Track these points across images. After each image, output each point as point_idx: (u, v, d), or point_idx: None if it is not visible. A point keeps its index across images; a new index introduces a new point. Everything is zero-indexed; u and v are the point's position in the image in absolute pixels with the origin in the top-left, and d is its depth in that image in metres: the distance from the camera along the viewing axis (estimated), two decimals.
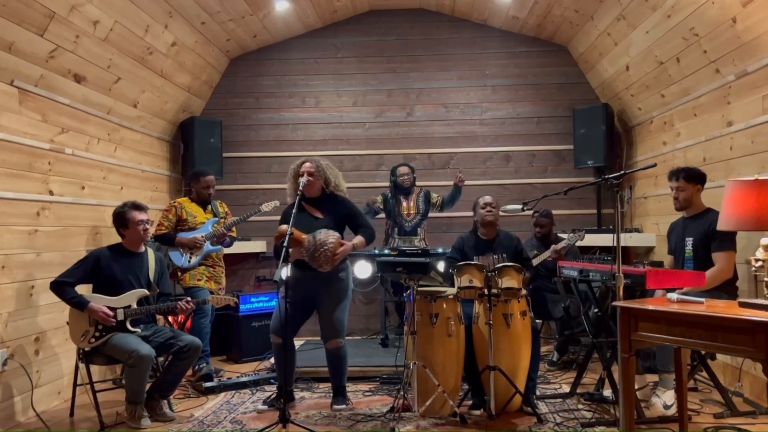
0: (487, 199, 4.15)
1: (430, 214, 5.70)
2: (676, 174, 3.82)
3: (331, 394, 3.95)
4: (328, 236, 3.68)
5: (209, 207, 4.94)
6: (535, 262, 4.59)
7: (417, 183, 5.67)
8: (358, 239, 3.86)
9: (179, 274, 4.68)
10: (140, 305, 3.77)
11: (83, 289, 3.79)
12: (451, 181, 6.22)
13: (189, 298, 3.90)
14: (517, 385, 3.59)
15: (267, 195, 6.21)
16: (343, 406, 3.84)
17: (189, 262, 4.67)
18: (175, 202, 4.84)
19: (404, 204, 5.59)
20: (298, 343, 5.09)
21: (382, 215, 5.71)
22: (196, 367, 4.54)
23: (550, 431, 3.40)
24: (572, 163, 6.09)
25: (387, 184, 5.94)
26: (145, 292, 3.82)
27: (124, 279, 3.78)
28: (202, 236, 4.72)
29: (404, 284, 3.80)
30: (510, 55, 6.39)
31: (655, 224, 5.42)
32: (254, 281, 6.30)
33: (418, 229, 5.51)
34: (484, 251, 4.03)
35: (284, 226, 3.64)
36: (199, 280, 4.69)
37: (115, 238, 4.00)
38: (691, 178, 3.79)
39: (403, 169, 5.55)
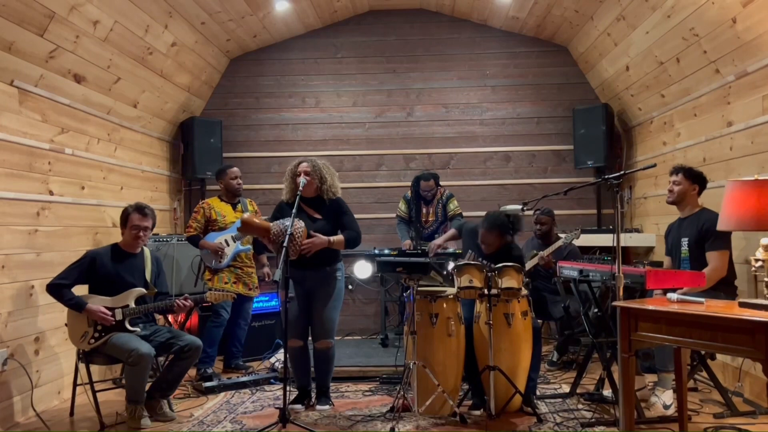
0: None
1: None
2: (678, 169, 3.87)
3: (315, 394, 3.97)
4: (297, 225, 3.64)
5: (239, 206, 4.93)
6: (525, 267, 4.58)
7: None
8: (339, 237, 3.84)
9: (207, 275, 4.68)
10: (138, 305, 3.77)
11: (80, 290, 3.79)
12: (452, 181, 6.25)
13: (187, 295, 3.90)
14: (517, 385, 3.59)
15: (267, 195, 6.24)
16: (327, 407, 3.87)
17: (220, 262, 4.65)
18: (204, 203, 4.85)
19: (424, 210, 5.68)
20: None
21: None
22: (202, 370, 4.54)
23: (550, 431, 3.40)
24: (572, 163, 6.09)
25: (387, 184, 6.02)
26: (143, 291, 3.81)
27: (120, 279, 3.78)
28: (232, 236, 4.71)
29: (404, 284, 3.80)
30: (510, 55, 6.39)
31: (655, 224, 5.42)
32: None
33: (435, 234, 5.58)
34: (482, 254, 4.06)
35: (247, 215, 3.75)
36: (226, 283, 4.66)
37: (115, 238, 4.00)
38: (691, 176, 3.82)
39: (428, 185, 5.55)
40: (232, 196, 4.92)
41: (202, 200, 5.03)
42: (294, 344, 3.86)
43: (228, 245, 4.69)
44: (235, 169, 4.96)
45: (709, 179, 4.41)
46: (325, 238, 3.75)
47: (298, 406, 3.86)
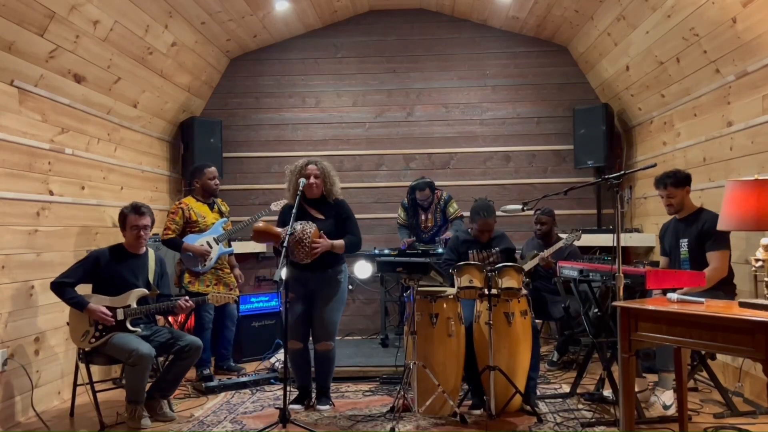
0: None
1: None
2: (662, 182, 3.83)
3: (315, 394, 3.97)
4: (305, 229, 3.67)
5: (215, 207, 4.88)
6: (525, 268, 4.58)
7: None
8: (339, 241, 3.83)
9: (187, 278, 4.59)
10: (140, 305, 3.77)
11: (83, 289, 3.79)
12: (451, 181, 6.25)
13: (187, 297, 3.90)
14: (516, 385, 3.59)
15: (267, 195, 6.24)
16: (327, 407, 3.87)
17: (205, 265, 4.60)
18: (181, 203, 4.70)
19: (422, 217, 5.71)
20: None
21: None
22: (200, 371, 4.53)
23: (550, 431, 3.40)
24: (572, 163, 6.09)
25: (387, 184, 6.04)
26: (145, 291, 3.81)
27: (123, 279, 3.78)
28: (214, 238, 4.66)
29: (404, 284, 3.81)
30: (510, 55, 6.39)
31: (655, 224, 5.42)
32: (254, 281, 6.30)
33: (436, 238, 5.62)
34: (480, 246, 4.05)
35: (260, 223, 3.75)
36: (208, 285, 4.62)
37: (114, 238, 4.00)
38: (679, 182, 3.80)
39: (423, 194, 5.56)
40: (208, 196, 4.84)
41: (177, 201, 4.88)
42: (294, 346, 3.86)
43: (211, 248, 4.64)
44: (213, 168, 4.89)
45: (709, 179, 4.42)
46: (328, 242, 3.76)
47: (298, 407, 3.87)
